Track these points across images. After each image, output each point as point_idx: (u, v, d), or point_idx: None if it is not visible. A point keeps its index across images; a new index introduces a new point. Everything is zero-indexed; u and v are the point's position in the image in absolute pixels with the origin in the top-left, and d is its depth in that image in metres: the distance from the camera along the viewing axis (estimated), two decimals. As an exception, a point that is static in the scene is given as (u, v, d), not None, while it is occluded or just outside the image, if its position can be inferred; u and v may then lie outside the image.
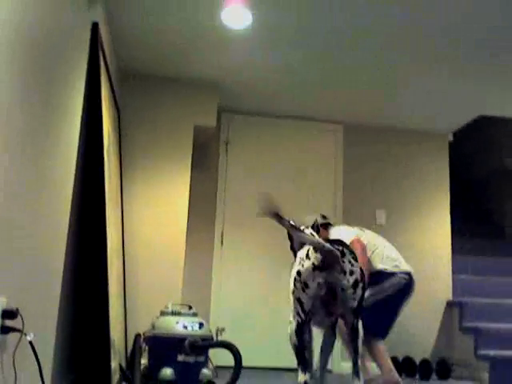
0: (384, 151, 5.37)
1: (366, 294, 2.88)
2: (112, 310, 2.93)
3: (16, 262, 1.91)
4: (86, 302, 3.15)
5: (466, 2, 3.27)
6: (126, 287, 4.03)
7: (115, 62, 4.08)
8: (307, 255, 2.59)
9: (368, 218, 5.07)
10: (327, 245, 2.53)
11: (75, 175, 2.79)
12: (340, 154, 5.25)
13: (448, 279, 5.20)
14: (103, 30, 3.34)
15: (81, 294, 3.12)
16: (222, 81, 4.52)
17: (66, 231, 2.69)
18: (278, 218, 2.42)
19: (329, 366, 4.80)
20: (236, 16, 3.57)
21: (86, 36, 2.99)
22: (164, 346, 3.51)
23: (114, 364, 2.87)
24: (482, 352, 4.52)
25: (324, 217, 3.94)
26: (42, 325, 2.35)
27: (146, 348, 3.60)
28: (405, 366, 4.61)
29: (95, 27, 3.09)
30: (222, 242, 4.93)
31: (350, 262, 2.55)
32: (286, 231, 3.23)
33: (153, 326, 3.62)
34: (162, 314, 3.69)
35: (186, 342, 3.43)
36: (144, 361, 3.54)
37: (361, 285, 2.56)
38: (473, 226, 6.19)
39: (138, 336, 3.68)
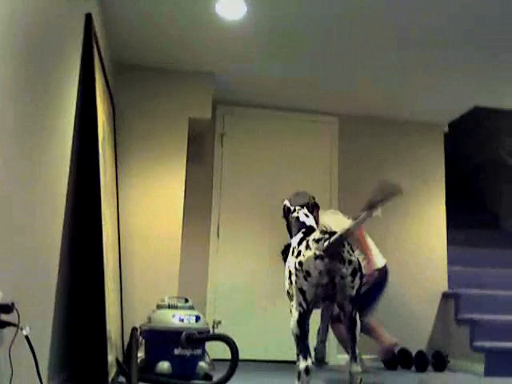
0: (379, 143, 5.37)
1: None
2: (108, 303, 2.92)
3: (11, 256, 1.89)
4: (82, 296, 3.14)
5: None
6: (122, 281, 4.02)
7: (109, 53, 4.05)
8: (307, 246, 2.65)
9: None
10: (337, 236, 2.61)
11: (70, 168, 2.77)
12: (335, 146, 5.24)
13: (443, 271, 5.22)
14: (97, 22, 3.31)
15: (77, 288, 3.10)
16: (217, 72, 4.49)
17: (62, 225, 2.67)
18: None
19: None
20: (231, 7, 3.55)
21: (80, 27, 2.96)
22: (161, 340, 3.51)
23: (110, 358, 2.86)
24: (478, 343, 4.53)
25: (313, 197, 3.98)
26: (39, 319, 2.33)
27: (143, 341, 3.60)
28: (400, 357, 4.62)
29: (88, 18, 3.05)
30: (218, 234, 4.92)
31: (348, 252, 2.64)
32: (280, 219, 3.38)
33: (149, 320, 3.61)
34: (159, 307, 3.69)
35: (183, 336, 3.43)
36: (141, 354, 3.53)
37: (359, 274, 2.64)
38: (468, 217, 6.20)
39: (134, 329, 3.67)
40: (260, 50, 4.15)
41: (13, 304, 1.79)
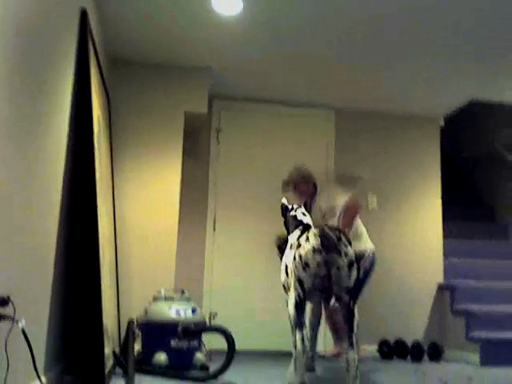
0: (375, 137, 5.38)
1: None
2: (104, 296, 2.94)
3: (7, 250, 1.91)
4: (78, 289, 3.16)
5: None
6: (119, 274, 4.04)
7: (104, 48, 4.05)
8: (307, 239, 2.81)
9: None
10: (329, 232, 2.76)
11: (65, 163, 2.79)
12: (331, 141, 5.25)
13: (439, 262, 5.25)
14: (92, 17, 3.32)
15: (73, 281, 3.12)
16: (214, 67, 4.50)
17: (57, 219, 2.69)
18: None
19: (319, 350, 4.86)
20: (227, 2, 3.56)
21: (75, 23, 2.96)
22: (157, 332, 3.54)
23: (107, 350, 2.89)
24: (473, 334, 4.57)
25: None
26: (34, 312, 2.36)
27: (140, 334, 3.63)
28: (396, 348, 4.66)
29: (84, 14, 3.06)
30: (214, 227, 4.95)
31: (345, 244, 2.77)
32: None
33: (146, 312, 3.65)
34: (155, 299, 3.72)
35: (179, 328, 3.46)
36: (137, 346, 3.57)
37: (355, 266, 2.76)
38: (463, 209, 6.22)
39: (131, 322, 3.70)
40: (256, 46, 4.16)
41: (8, 297, 1.81)
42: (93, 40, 3.29)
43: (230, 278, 4.87)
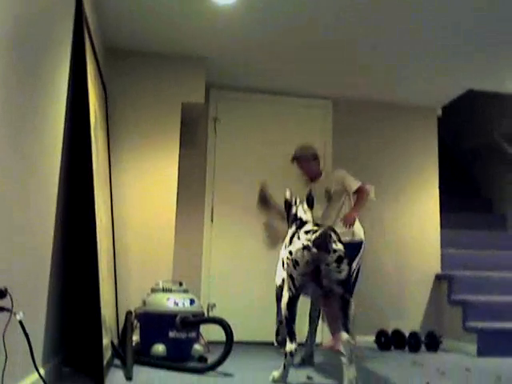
0: (373, 127, 5.37)
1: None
2: (103, 287, 2.94)
3: (4, 241, 1.90)
4: (76, 280, 3.16)
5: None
6: (117, 265, 4.03)
7: (100, 38, 4.02)
8: (298, 237, 2.92)
9: (358, 193, 5.08)
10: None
11: (62, 154, 2.77)
12: (329, 130, 5.24)
13: (437, 253, 5.26)
14: (87, 6, 3.29)
15: (71, 272, 3.12)
16: (210, 56, 4.48)
17: (55, 210, 2.68)
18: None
19: (317, 341, 4.87)
20: (223, -10, 3.53)
21: (70, 12, 2.94)
22: (155, 323, 3.54)
23: (105, 341, 2.89)
24: (470, 324, 4.59)
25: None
26: (32, 304, 2.35)
27: (138, 325, 3.63)
28: (394, 338, 4.67)
29: (79, 3, 3.03)
30: (212, 218, 4.94)
31: (334, 241, 2.84)
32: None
33: (144, 303, 3.65)
34: (153, 290, 3.72)
35: (178, 319, 3.47)
36: (136, 337, 3.57)
37: (345, 261, 2.82)
38: (461, 200, 6.22)
39: (129, 313, 3.70)
40: (253, 35, 4.13)
41: (6, 289, 1.80)
42: (88, 30, 3.26)
43: (228, 269, 4.87)
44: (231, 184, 5.00)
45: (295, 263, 2.84)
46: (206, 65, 4.52)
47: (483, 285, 5.00)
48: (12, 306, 1.83)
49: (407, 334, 4.68)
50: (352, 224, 3.89)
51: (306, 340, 3.70)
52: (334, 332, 3.83)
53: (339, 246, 2.84)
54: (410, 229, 5.26)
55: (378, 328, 4.74)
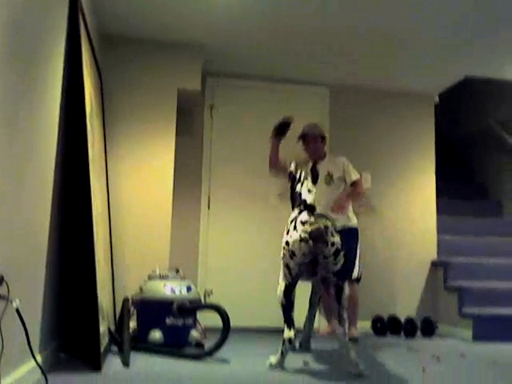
0: (370, 114, 5.36)
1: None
2: (99, 274, 2.94)
3: (0, 229, 1.90)
4: (72, 267, 3.16)
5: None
6: (114, 251, 4.04)
7: (96, 24, 3.99)
8: (295, 227, 2.89)
9: (354, 181, 5.08)
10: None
11: (58, 142, 2.76)
12: (326, 117, 5.22)
13: (433, 239, 5.27)
14: (82, -8, 3.26)
15: (67, 259, 3.13)
16: (207, 43, 4.45)
17: (50, 198, 2.68)
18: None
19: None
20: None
21: (65, -2, 2.91)
22: (152, 310, 3.55)
23: (102, 328, 2.90)
24: (466, 310, 4.62)
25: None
26: (29, 291, 2.36)
27: (135, 311, 3.64)
28: (390, 324, 4.70)
29: (74, -12, 3.00)
30: (208, 205, 4.94)
31: (332, 233, 2.84)
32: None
33: (141, 290, 3.66)
34: (150, 277, 3.73)
35: (175, 305, 3.48)
36: (133, 324, 3.58)
37: (342, 253, 2.85)
38: (457, 185, 6.24)
39: (126, 300, 3.72)
40: (250, 22, 4.10)
41: (2, 277, 1.81)
42: (83, 16, 3.23)
43: (225, 255, 4.88)
44: (228, 171, 4.99)
45: (292, 254, 2.86)
46: (203, 52, 4.50)
47: (479, 271, 5.03)
48: (8, 294, 1.83)
49: (403, 320, 4.70)
50: (341, 210, 3.85)
51: (304, 325, 3.73)
52: (331, 318, 3.89)
53: (336, 239, 2.84)
54: (407, 215, 5.27)
55: (374, 314, 4.77)
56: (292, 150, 4.15)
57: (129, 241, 4.15)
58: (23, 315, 1.96)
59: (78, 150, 2.95)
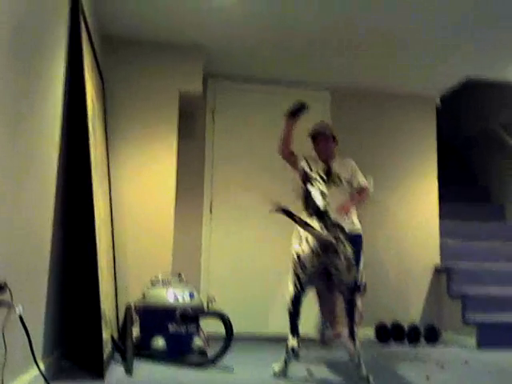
0: (371, 117, 5.34)
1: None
2: (102, 280, 2.90)
3: (2, 235, 1.87)
4: (75, 274, 3.13)
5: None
6: (116, 258, 4.00)
7: (97, 26, 3.97)
8: (306, 239, 2.80)
9: (356, 185, 5.06)
10: (330, 239, 2.74)
11: (60, 146, 2.73)
12: (328, 120, 5.18)
13: (436, 245, 5.24)
14: (84, -6, 3.23)
15: (70, 266, 3.09)
16: (208, 45, 4.44)
17: (53, 202, 2.65)
18: (289, 214, 2.75)
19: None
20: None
21: (66, 0, 2.88)
22: (155, 317, 3.52)
23: (105, 335, 2.86)
24: (470, 317, 4.58)
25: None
26: (32, 298, 2.32)
27: (138, 319, 3.61)
28: (393, 331, 4.67)
29: (75, -10, 2.98)
30: (210, 210, 4.91)
31: (344, 245, 2.76)
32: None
33: (144, 297, 3.62)
34: (153, 284, 3.69)
35: (177, 312, 3.44)
36: (136, 331, 3.54)
37: (354, 266, 2.79)
38: (459, 189, 6.22)
39: (129, 307, 3.68)
40: (251, 24, 4.09)
41: (5, 283, 1.77)
42: (84, 18, 3.21)
43: (228, 261, 4.85)
44: (230, 174, 4.97)
45: (303, 266, 2.79)
46: (204, 54, 4.48)
47: (482, 276, 5.00)
48: (11, 300, 1.80)
49: (407, 327, 4.67)
50: (346, 212, 3.79)
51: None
52: (333, 325, 3.82)
53: (349, 251, 2.77)
54: (410, 220, 5.24)
55: (378, 321, 4.73)
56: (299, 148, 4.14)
57: (131, 246, 4.11)
58: (26, 322, 1.93)
59: (80, 152, 2.92)
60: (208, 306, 4.55)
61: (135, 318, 3.60)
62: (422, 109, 5.44)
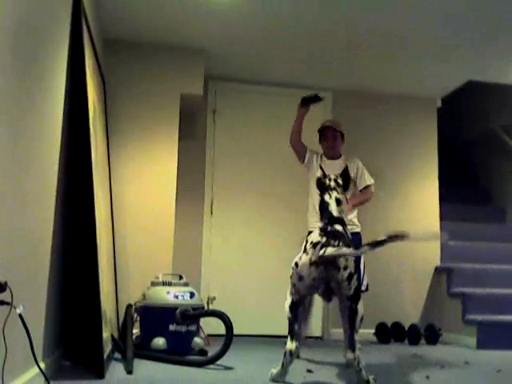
0: (373, 118, 5.35)
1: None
2: (102, 280, 2.92)
3: (3, 235, 1.88)
4: (76, 274, 3.15)
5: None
6: (117, 258, 4.02)
7: (99, 29, 3.98)
8: (305, 249, 2.70)
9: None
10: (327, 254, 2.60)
11: (61, 147, 2.74)
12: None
13: (436, 245, 5.25)
14: (86, -3, 3.25)
15: (71, 266, 3.11)
16: (209, 47, 4.45)
17: (54, 203, 2.66)
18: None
19: (319, 334, 4.88)
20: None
21: (68, 2, 2.90)
22: (156, 316, 3.54)
23: (105, 335, 2.88)
24: (470, 317, 4.59)
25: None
26: (32, 297, 2.33)
27: (138, 318, 3.62)
28: (394, 331, 4.68)
29: (77, -7, 3.00)
30: (211, 211, 4.92)
31: (344, 256, 2.64)
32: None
33: (144, 297, 3.64)
34: (153, 284, 3.71)
35: (178, 312, 3.46)
36: (136, 331, 3.56)
37: (355, 276, 2.68)
38: (460, 191, 6.22)
39: (129, 306, 3.70)
40: (252, 26, 4.10)
41: (6, 283, 1.78)
42: (86, 20, 3.22)
43: (228, 261, 4.86)
44: (231, 176, 4.98)
45: (300, 278, 2.68)
46: (205, 56, 4.49)
47: (483, 277, 5.00)
48: (12, 300, 1.81)
49: (407, 327, 4.68)
50: (348, 211, 3.77)
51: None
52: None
53: (350, 262, 2.65)
54: (410, 220, 5.24)
55: (378, 321, 4.74)
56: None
57: (132, 246, 4.13)
58: (26, 321, 1.94)
59: (82, 154, 2.93)
60: (208, 306, 4.57)
61: (135, 317, 3.62)
62: (423, 110, 5.45)
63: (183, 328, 3.49)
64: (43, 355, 2.51)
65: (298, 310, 2.78)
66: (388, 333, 4.67)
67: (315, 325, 4.70)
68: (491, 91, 6.14)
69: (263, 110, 5.14)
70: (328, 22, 4.00)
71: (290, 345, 2.73)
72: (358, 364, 2.63)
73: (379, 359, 3.67)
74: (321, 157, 4.07)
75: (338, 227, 2.83)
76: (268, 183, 4.97)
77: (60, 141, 2.73)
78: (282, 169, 4.90)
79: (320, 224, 2.89)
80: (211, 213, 4.92)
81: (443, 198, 5.38)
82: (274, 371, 2.77)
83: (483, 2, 3.62)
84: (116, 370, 2.94)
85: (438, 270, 5.17)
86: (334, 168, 3.52)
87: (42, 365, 2.29)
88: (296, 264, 2.71)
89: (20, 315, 1.88)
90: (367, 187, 3.98)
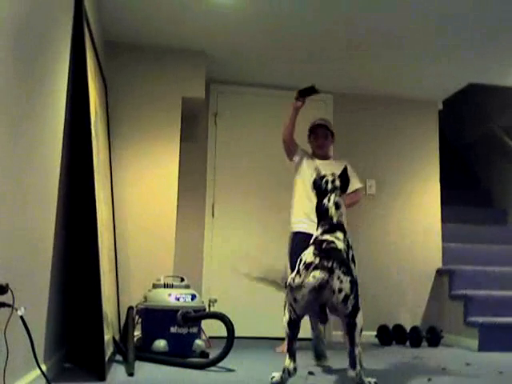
0: (374, 121, 5.36)
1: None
2: (104, 282, 2.92)
3: (4, 237, 1.89)
4: (77, 276, 3.15)
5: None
6: (118, 260, 4.03)
7: (100, 31, 4.00)
8: (298, 271, 2.57)
9: (358, 188, 5.07)
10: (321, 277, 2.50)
11: (62, 150, 2.75)
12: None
13: (438, 247, 5.25)
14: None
15: (72, 268, 3.11)
16: (210, 50, 4.46)
17: (55, 205, 2.67)
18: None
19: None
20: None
21: (70, 6, 2.91)
22: (157, 318, 3.54)
23: (107, 337, 2.88)
24: (472, 319, 4.58)
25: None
26: (34, 299, 2.34)
27: (139, 320, 3.63)
28: (395, 333, 4.67)
29: (79, -4, 3.01)
30: (213, 213, 4.93)
31: (338, 278, 2.51)
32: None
33: (145, 299, 3.64)
34: (155, 286, 3.71)
35: (179, 314, 3.46)
36: (137, 333, 3.56)
37: (351, 296, 2.53)
38: (461, 193, 6.22)
39: (130, 308, 3.70)
40: (252, 29, 4.11)
41: (7, 285, 1.79)
42: (88, 23, 3.23)
43: (230, 264, 4.86)
44: (232, 179, 4.99)
45: (294, 300, 2.56)
46: (206, 59, 4.51)
47: (484, 279, 4.99)
48: (13, 302, 1.82)
49: (408, 329, 4.67)
50: None
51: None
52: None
53: (345, 284, 2.51)
54: (412, 222, 5.25)
55: (379, 323, 4.74)
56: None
57: (133, 249, 4.13)
58: (28, 323, 1.94)
59: (83, 156, 2.94)
60: (209, 308, 4.57)
61: (137, 319, 3.63)
62: (425, 113, 5.46)
63: (184, 330, 3.49)
64: (44, 357, 2.52)
65: (296, 328, 2.65)
66: (389, 335, 4.67)
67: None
68: (492, 93, 6.15)
69: (264, 113, 5.15)
70: (328, 22, 4.01)
71: (289, 364, 2.62)
72: (360, 378, 2.53)
73: (381, 361, 3.66)
74: (311, 157, 4.06)
75: (339, 235, 2.74)
76: (269, 185, 4.97)
77: (61, 143, 2.74)
78: (284, 171, 4.88)
79: (319, 231, 2.80)
80: (212, 215, 4.93)
81: (444, 200, 5.38)
82: (275, 379, 2.65)
83: (483, 2, 3.63)
84: (117, 372, 2.94)
85: (439, 272, 5.17)
86: (325, 169, 3.37)
87: (44, 367, 2.29)
88: (290, 287, 2.58)
89: (21, 317, 1.89)
90: (356, 191, 3.95)
